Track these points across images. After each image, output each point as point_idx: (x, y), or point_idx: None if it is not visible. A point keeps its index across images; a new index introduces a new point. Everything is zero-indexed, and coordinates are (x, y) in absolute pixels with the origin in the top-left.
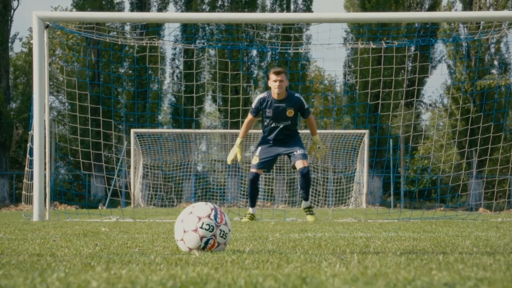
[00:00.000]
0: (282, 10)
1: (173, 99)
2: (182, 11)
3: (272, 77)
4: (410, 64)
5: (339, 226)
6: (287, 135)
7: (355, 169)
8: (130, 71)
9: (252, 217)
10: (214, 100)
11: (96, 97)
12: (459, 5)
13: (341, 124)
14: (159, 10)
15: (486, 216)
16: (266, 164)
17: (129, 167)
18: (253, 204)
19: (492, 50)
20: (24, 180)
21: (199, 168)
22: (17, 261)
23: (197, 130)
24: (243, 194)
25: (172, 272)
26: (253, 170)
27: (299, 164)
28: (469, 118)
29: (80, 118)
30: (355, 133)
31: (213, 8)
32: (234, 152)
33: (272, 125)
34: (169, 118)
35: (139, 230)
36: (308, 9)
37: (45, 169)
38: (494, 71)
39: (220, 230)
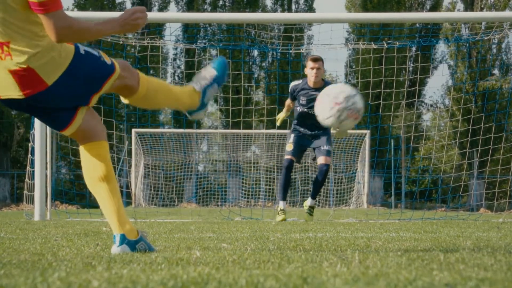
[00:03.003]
0: (283, 10)
1: None
2: (183, 11)
3: (310, 64)
4: (412, 65)
5: (340, 226)
6: (318, 126)
7: (356, 169)
8: None
9: (284, 212)
10: (215, 100)
11: None
12: (460, 6)
13: None
14: (160, 10)
15: (487, 217)
16: (298, 151)
17: (130, 166)
18: (284, 197)
19: (494, 51)
20: (25, 180)
21: (200, 168)
22: (18, 260)
23: (198, 130)
24: (244, 194)
25: (173, 272)
26: (288, 156)
27: (321, 160)
28: (470, 118)
29: None
30: (356, 133)
31: (214, 8)
32: (282, 115)
33: (305, 113)
34: (170, 118)
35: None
36: (309, 9)
37: (46, 168)
38: (495, 71)
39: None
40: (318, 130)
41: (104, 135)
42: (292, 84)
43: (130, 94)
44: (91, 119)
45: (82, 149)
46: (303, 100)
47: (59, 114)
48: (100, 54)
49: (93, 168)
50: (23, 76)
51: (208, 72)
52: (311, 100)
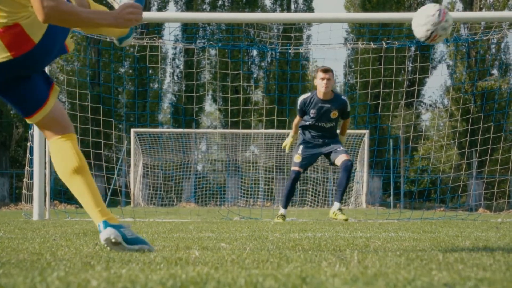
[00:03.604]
0: (282, 10)
1: (174, 98)
2: (182, 11)
3: (320, 74)
4: (411, 65)
5: (339, 226)
6: (327, 137)
7: (355, 169)
8: (130, 71)
9: (284, 217)
10: (214, 99)
11: (97, 96)
12: (459, 5)
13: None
14: (159, 9)
15: (486, 217)
16: (308, 162)
17: (129, 166)
18: (286, 205)
19: (493, 51)
20: (24, 179)
21: (199, 168)
22: (17, 260)
23: (197, 130)
24: (243, 194)
25: (172, 271)
26: (295, 168)
27: (343, 157)
28: (469, 118)
29: (80, 118)
30: (355, 133)
31: (213, 8)
32: (288, 141)
33: (314, 126)
34: (169, 117)
35: (139, 229)
36: (308, 9)
37: (45, 168)
38: (494, 71)
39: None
40: (329, 139)
41: (72, 128)
42: (302, 98)
43: None
44: (60, 109)
45: (54, 143)
46: (312, 113)
47: (33, 94)
48: None
49: (68, 161)
50: (10, 35)
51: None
52: (321, 113)
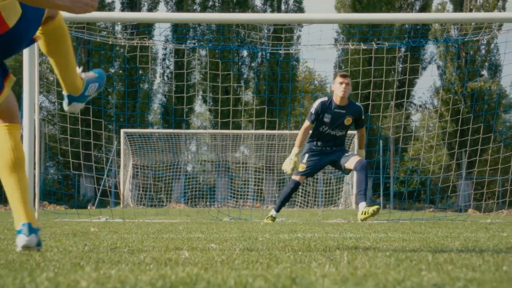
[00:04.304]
0: (273, 11)
1: (164, 99)
2: (173, 11)
3: (338, 79)
4: (401, 65)
5: (329, 227)
6: (336, 145)
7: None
8: (120, 71)
9: (273, 219)
10: (204, 100)
11: None
12: (449, 6)
13: None
14: (150, 10)
15: (476, 217)
16: (310, 172)
17: (118, 167)
18: (279, 210)
19: (483, 52)
20: None
21: (189, 168)
22: (6, 260)
23: (187, 131)
24: (233, 195)
25: (161, 272)
26: (296, 177)
27: (355, 159)
28: (459, 119)
29: (70, 118)
30: None
31: (204, 9)
32: (293, 162)
33: (326, 132)
34: (159, 118)
35: (128, 230)
36: (299, 9)
37: (34, 168)
38: (484, 72)
39: None
40: (337, 146)
41: (19, 119)
42: (320, 100)
43: (46, 22)
44: (13, 100)
45: None
46: (327, 118)
47: None
48: None
49: (7, 151)
50: None
51: (91, 72)
52: (335, 119)
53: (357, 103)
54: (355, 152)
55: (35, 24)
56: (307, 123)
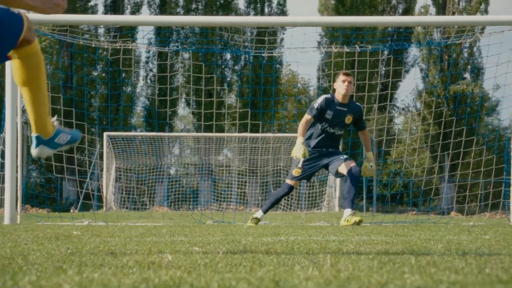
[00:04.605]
0: (256, 14)
1: (147, 102)
2: (156, 14)
3: (341, 77)
4: (384, 68)
5: (312, 230)
6: (332, 146)
7: (328, 172)
8: (103, 74)
9: (257, 221)
10: (187, 103)
11: (69, 100)
12: (432, 9)
13: None
14: (133, 13)
15: (458, 220)
16: (305, 176)
17: (101, 170)
18: (266, 212)
19: (465, 55)
20: None
21: (172, 172)
22: None
23: (170, 134)
24: (216, 198)
25: (144, 275)
26: (290, 182)
27: (348, 164)
28: (441, 122)
29: None
30: None
31: (187, 11)
32: (302, 148)
33: (325, 130)
34: (142, 121)
35: (111, 233)
36: (282, 12)
37: (16, 172)
38: (467, 75)
39: None
40: (333, 148)
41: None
42: (324, 96)
43: (22, 46)
44: None
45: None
46: (329, 114)
47: None
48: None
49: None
50: None
51: (67, 128)
52: (337, 116)
53: (357, 103)
54: (346, 157)
55: (9, 40)
56: (307, 116)
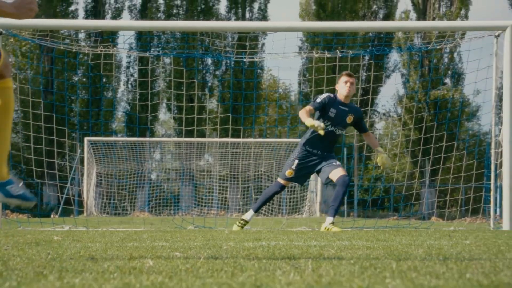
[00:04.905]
0: (237, 19)
1: (128, 107)
2: (136, 19)
3: (344, 78)
4: (364, 73)
5: (293, 235)
6: (329, 147)
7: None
8: (84, 79)
9: (245, 224)
10: (168, 108)
11: (50, 104)
12: (413, 15)
13: (295, 133)
14: (114, 17)
15: (439, 225)
16: (297, 180)
17: (82, 175)
18: (257, 210)
19: (446, 60)
20: None
21: (153, 177)
22: None
23: (151, 139)
24: (197, 203)
25: (126, 280)
26: (281, 181)
27: (339, 172)
28: (422, 127)
29: (33, 126)
30: None
31: (168, 16)
32: (316, 122)
33: (327, 128)
34: (123, 126)
35: (92, 238)
36: (263, 17)
37: None
38: (447, 81)
39: None
40: (328, 151)
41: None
42: (326, 94)
43: None
44: None
45: None
46: (331, 112)
47: None
48: None
49: None
50: None
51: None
52: (339, 115)
53: (355, 104)
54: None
55: None
56: (309, 107)
